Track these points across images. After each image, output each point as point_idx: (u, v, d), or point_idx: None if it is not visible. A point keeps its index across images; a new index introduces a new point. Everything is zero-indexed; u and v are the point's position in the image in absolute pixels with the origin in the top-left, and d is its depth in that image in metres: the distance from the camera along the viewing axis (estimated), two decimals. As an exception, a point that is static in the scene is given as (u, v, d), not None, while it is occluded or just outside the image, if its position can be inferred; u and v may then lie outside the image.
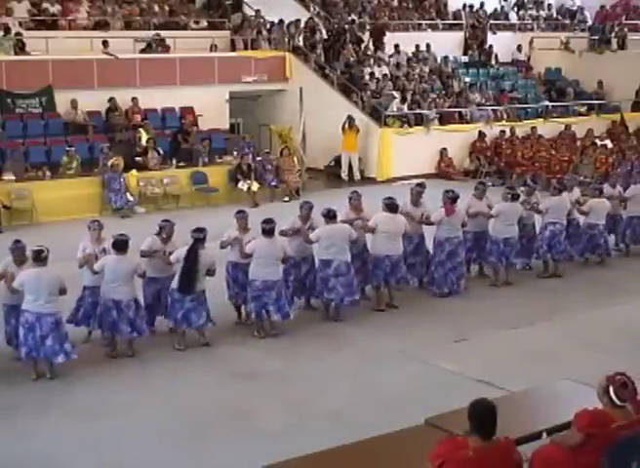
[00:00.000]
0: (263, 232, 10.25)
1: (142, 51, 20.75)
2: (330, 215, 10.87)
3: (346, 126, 20.57)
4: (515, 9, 29.09)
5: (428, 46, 24.78)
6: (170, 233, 10.30)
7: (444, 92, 23.16)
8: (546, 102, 24.37)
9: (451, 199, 11.85)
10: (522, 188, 14.46)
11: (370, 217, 11.41)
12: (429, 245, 12.21)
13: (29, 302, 8.97)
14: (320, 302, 11.24)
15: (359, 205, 11.60)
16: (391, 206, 11.28)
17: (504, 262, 12.53)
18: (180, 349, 9.95)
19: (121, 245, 9.60)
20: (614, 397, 5.18)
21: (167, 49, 20.97)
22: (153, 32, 21.15)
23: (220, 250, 10.68)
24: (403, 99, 21.66)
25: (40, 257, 9.01)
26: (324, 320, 11.04)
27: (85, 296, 10.00)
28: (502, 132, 22.03)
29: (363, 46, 23.79)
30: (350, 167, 20.96)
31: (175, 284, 9.88)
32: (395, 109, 21.50)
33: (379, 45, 23.91)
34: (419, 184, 12.55)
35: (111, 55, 19.77)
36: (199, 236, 9.88)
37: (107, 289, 9.58)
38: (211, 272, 10.02)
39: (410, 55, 24.20)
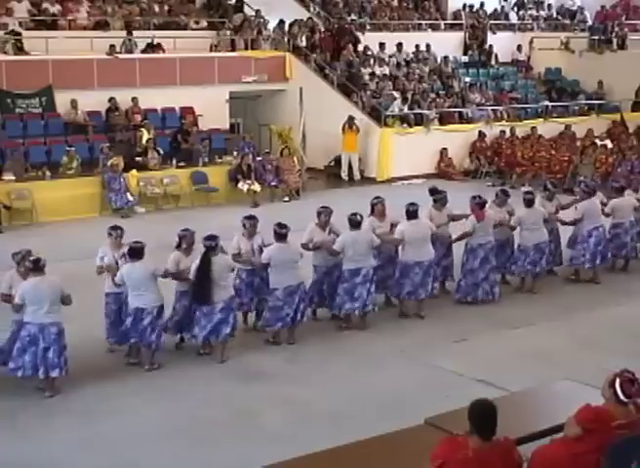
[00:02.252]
0: (278, 237, 10.02)
1: (142, 51, 20.75)
2: (353, 223, 10.50)
3: (346, 126, 20.58)
4: (515, 9, 29.06)
5: (428, 46, 24.78)
6: (191, 242, 9.78)
7: (444, 92, 23.16)
8: (546, 102, 24.38)
9: (479, 204, 11.62)
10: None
11: (395, 222, 11.17)
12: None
13: (31, 313, 8.64)
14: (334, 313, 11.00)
15: (384, 210, 11.24)
16: (413, 213, 11.00)
17: (534, 270, 12.16)
18: (205, 353, 9.79)
19: (136, 252, 9.31)
20: (619, 390, 5.17)
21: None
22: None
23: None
24: (404, 100, 21.67)
25: (39, 266, 8.72)
26: (347, 330, 10.72)
27: (108, 304, 9.76)
28: (502, 132, 22.02)
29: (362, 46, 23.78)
30: (350, 167, 20.97)
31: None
32: (397, 110, 21.51)
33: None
34: (437, 190, 12.09)
35: (110, 54, 19.78)
36: (211, 244, 9.43)
37: (131, 298, 9.36)
38: (233, 271, 9.93)
39: (411, 55, 24.20)
